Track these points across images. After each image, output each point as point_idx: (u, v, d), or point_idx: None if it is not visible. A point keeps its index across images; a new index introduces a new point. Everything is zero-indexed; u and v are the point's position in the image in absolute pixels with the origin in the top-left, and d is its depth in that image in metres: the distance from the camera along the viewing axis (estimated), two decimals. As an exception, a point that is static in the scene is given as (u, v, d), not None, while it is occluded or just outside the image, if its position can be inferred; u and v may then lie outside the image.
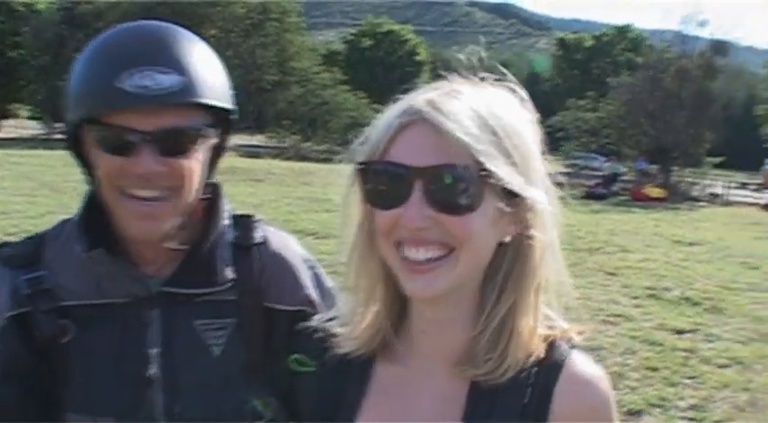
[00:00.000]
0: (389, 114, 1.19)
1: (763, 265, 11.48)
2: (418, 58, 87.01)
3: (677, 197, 30.07)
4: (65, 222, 1.67)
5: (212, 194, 1.68)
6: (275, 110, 44.81)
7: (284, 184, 18.85)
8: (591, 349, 1.27)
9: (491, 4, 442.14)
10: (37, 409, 1.55)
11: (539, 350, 1.20)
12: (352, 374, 1.30)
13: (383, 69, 79.49)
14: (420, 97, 1.17)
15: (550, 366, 1.20)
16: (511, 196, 1.15)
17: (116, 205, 1.53)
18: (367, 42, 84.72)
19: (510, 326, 1.18)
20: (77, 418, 1.55)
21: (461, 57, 1.24)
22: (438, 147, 1.12)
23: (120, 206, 1.52)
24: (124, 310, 1.57)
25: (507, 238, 1.19)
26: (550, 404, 1.18)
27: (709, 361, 6.95)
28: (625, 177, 34.02)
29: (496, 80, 1.23)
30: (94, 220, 1.60)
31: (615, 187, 30.54)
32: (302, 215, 13.12)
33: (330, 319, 1.35)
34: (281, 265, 1.69)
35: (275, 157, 32.41)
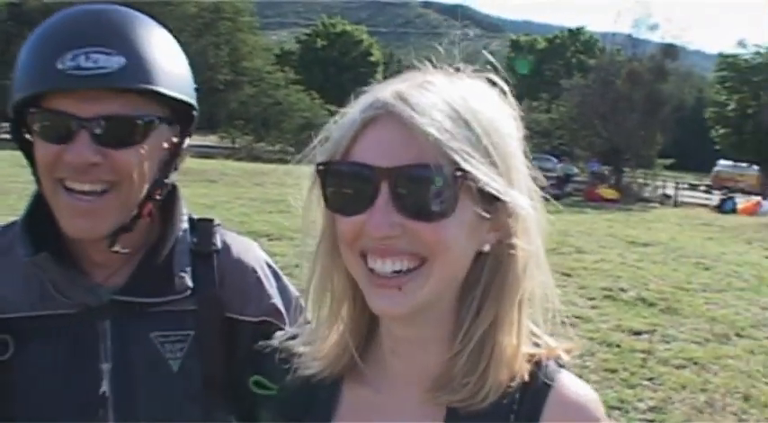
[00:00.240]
0: (354, 109, 1.05)
1: (715, 266, 11.57)
2: (372, 58, 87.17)
3: (629, 198, 30.52)
4: (11, 225, 1.53)
5: (169, 196, 1.55)
6: (228, 110, 44.60)
7: (237, 185, 18.70)
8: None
9: (445, 6, 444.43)
10: None
11: (523, 371, 1.07)
12: (317, 398, 1.17)
13: (337, 70, 79.50)
14: (387, 89, 1.04)
15: (537, 389, 1.08)
16: (490, 200, 1.02)
17: (53, 200, 1.39)
18: (321, 42, 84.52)
19: (490, 345, 1.05)
20: None
21: (440, 49, 1.11)
22: (407, 144, 0.99)
23: (56, 201, 1.39)
24: (72, 321, 1.43)
25: (486, 248, 1.06)
26: None
27: (667, 362, 6.95)
28: (578, 178, 34.44)
29: (474, 71, 1.10)
30: (41, 222, 1.45)
31: (568, 188, 30.85)
32: (255, 216, 12.98)
33: (292, 337, 1.21)
34: (243, 273, 1.57)
35: (228, 157, 32.26)
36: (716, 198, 33.74)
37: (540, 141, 41.37)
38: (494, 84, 1.10)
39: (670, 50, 37.36)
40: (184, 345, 1.48)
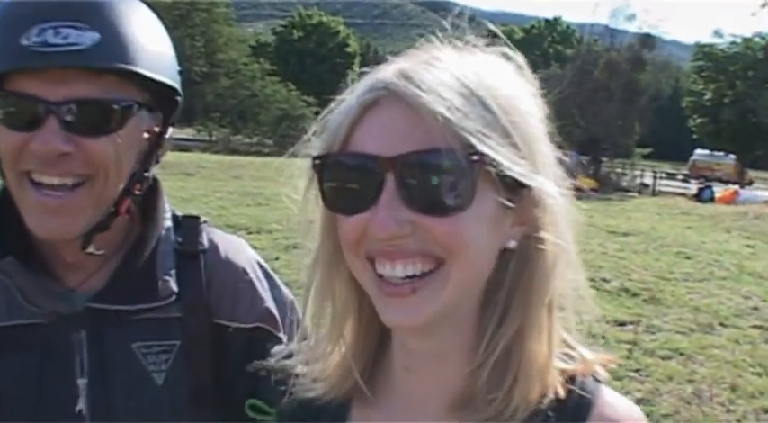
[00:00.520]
0: (353, 93, 0.92)
1: (697, 255, 11.56)
2: (349, 49, 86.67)
3: (608, 188, 30.52)
4: None
5: (149, 192, 1.40)
6: (204, 102, 44.07)
7: (215, 178, 18.50)
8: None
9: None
10: None
11: (555, 385, 0.93)
12: None
13: (313, 61, 78.99)
14: (390, 68, 0.91)
15: (575, 407, 0.94)
16: (513, 187, 0.89)
17: (18, 196, 1.25)
18: (297, 34, 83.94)
19: (518, 354, 0.91)
20: None
21: (445, 23, 0.98)
22: (413, 129, 0.86)
23: (22, 196, 1.24)
24: (44, 332, 1.28)
25: (512, 244, 0.92)
26: None
27: (653, 353, 6.90)
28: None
29: (488, 45, 0.97)
30: (5, 221, 1.30)
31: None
32: (233, 210, 12.83)
33: (288, 355, 1.06)
34: (232, 275, 1.43)
35: (204, 150, 31.97)
36: (694, 187, 33.93)
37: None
38: (509, 58, 0.97)
39: (647, 41, 37.45)
40: (169, 355, 1.34)
